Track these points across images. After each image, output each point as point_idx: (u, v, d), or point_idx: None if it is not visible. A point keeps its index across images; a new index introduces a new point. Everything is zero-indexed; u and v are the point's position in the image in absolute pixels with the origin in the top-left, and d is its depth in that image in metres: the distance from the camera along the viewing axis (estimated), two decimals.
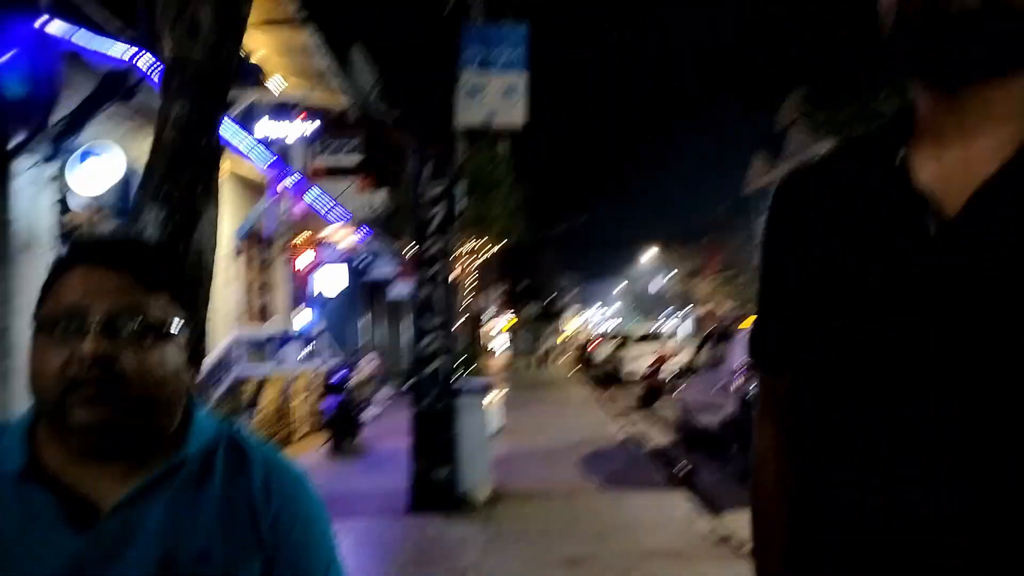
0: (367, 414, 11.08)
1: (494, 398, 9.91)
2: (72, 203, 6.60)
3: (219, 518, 0.93)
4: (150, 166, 2.43)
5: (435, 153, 6.48)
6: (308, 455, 9.59)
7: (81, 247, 0.96)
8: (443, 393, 6.38)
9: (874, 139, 0.84)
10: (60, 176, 6.34)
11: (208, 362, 8.34)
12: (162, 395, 0.90)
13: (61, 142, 6.22)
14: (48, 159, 6.18)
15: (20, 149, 5.82)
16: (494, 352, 35.17)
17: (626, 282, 65.12)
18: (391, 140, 14.13)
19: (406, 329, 18.30)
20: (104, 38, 6.34)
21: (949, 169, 0.75)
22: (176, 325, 0.94)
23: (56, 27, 5.93)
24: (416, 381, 6.48)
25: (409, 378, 6.66)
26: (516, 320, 39.82)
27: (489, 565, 4.86)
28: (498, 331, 39.41)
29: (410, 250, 7.54)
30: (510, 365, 31.54)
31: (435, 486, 6.26)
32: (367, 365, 12.79)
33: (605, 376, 23.41)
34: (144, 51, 6.17)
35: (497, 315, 38.11)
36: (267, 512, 0.96)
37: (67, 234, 6.45)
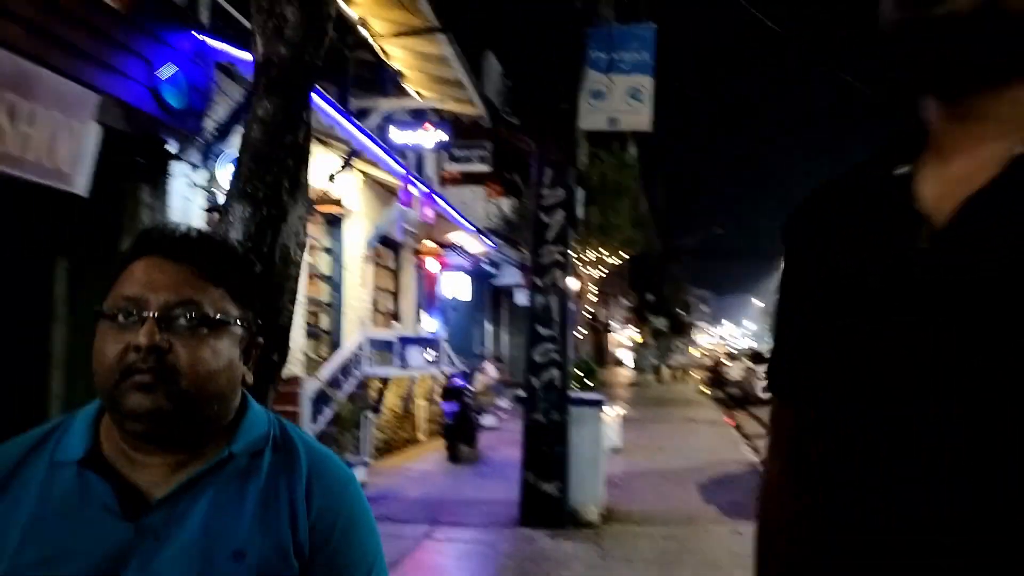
0: (485, 422, 11.14)
1: (612, 414, 9.66)
2: (221, 205, 7.05)
3: (259, 517, 0.92)
4: (239, 164, 2.48)
5: (555, 158, 6.39)
6: (426, 459, 9.76)
7: (147, 239, 0.96)
8: (555, 405, 6.26)
9: (879, 157, 0.84)
10: (211, 178, 6.79)
11: (336, 361, 8.68)
12: (212, 387, 0.91)
13: (213, 147, 6.67)
14: (201, 163, 6.64)
15: (178, 154, 6.28)
16: (617, 366, 34.63)
17: (761, 299, 62.28)
18: (518, 147, 14.22)
19: None
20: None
21: (948, 182, 0.74)
22: (233, 320, 0.93)
23: (210, 41, 6.37)
24: (529, 391, 6.39)
25: (524, 387, 6.57)
26: (642, 334, 39.01)
27: None
28: (622, 345, 38.79)
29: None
30: (634, 381, 30.92)
31: (545, 500, 6.14)
32: (487, 373, 12.89)
33: (735, 397, 22.43)
34: None
35: (622, 328, 37.52)
36: (308, 513, 0.95)
37: (215, 232, 6.90)
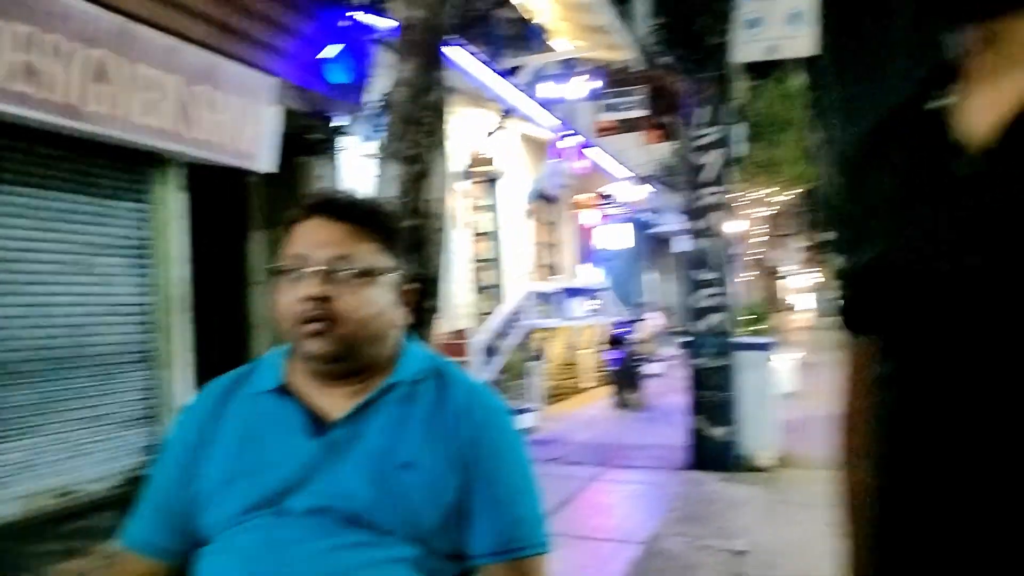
0: (649, 370, 11.12)
1: (787, 358, 9.29)
2: None
3: (424, 434, 1.06)
4: (389, 126, 2.66)
5: (709, 96, 6.13)
6: (592, 406, 9.95)
7: (310, 203, 1.11)
8: (719, 350, 6.13)
9: (916, 92, 0.82)
10: (377, 148, 7.23)
11: (501, 313, 9.03)
12: (370, 329, 1.06)
13: (376, 119, 7.09)
14: (366, 134, 7.09)
15: (345, 127, 6.75)
16: (793, 310, 32.89)
17: None
18: (671, 88, 13.73)
19: None
20: None
21: (983, 109, 0.73)
22: (385, 270, 1.07)
23: (367, 16, 6.72)
24: (691, 337, 6.31)
25: (687, 333, 6.50)
26: (822, 275, 36.69)
27: (768, 528, 4.61)
28: (799, 288, 36.69)
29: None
30: (813, 324, 29.24)
31: (713, 445, 6.09)
32: (650, 321, 12.80)
33: None
34: None
35: (798, 271, 35.48)
36: (464, 432, 1.07)
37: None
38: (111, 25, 4.38)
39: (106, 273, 5.20)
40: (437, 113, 2.66)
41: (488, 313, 9.58)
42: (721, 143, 6.17)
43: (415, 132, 2.56)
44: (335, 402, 1.07)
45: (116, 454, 5.23)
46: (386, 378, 1.08)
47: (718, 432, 6.09)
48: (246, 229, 6.90)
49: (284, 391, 1.08)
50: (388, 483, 1.01)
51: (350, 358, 1.05)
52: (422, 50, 2.61)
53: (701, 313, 6.21)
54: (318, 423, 1.05)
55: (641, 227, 16.28)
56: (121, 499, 5.01)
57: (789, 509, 5.07)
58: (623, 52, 12.73)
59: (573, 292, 10.91)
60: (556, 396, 10.18)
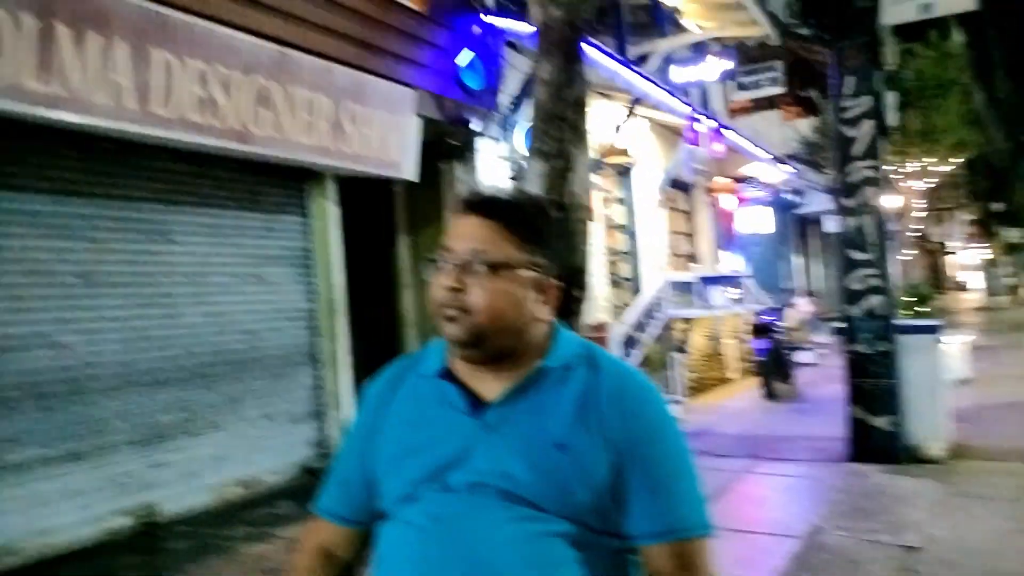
0: (800, 358, 10.62)
1: (957, 342, 8.58)
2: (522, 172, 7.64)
3: (574, 417, 1.10)
4: (532, 126, 2.73)
5: (856, 64, 5.76)
6: (739, 397, 9.65)
7: (463, 200, 1.19)
8: (879, 334, 5.76)
9: None
10: (512, 149, 7.40)
11: (639, 305, 8.95)
12: (501, 321, 1.10)
13: (509, 119, 7.25)
14: (501, 135, 7.27)
15: (482, 130, 6.95)
16: (960, 289, 30.16)
17: None
18: (812, 60, 12.99)
19: None
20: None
21: None
22: (520, 264, 1.11)
23: (496, 20, 6.88)
24: (847, 322, 5.97)
25: (842, 318, 6.16)
26: (992, 251, 33.35)
27: (940, 524, 4.31)
28: (965, 265, 33.59)
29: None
30: (983, 304, 26.68)
31: (876, 435, 5.74)
32: (799, 307, 12.21)
33: None
34: None
35: (964, 246, 32.49)
36: (616, 416, 1.10)
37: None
38: (271, 54, 4.77)
39: (275, 282, 5.67)
40: (579, 108, 2.72)
41: (625, 306, 9.53)
42: (872, 113, 5.79)
43: (558, 128, 2.63)
44: (490, 385, 1.13)
45: (289, 447, 5.70)
46: (538, 363, 1.13)
47: (881, 422, 5.73)
48: (393, 234, 7.28)
49: (447, 374, 1.16)
50: (542, 463, 1.06)
51: (480, 346, 1.10)
52: (562, 49, 2.68)
53: (857, 296, 5.86)
54: (476, 404, 1.12)
55: (783, 209, 15.55)
56: (296, 489, 5.45)
57: (967, 503, 4.71)
58: (756, 28, 12.20)
59: (713, 280, 10.61)
60: (700, 388, 9.96)
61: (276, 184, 5.64)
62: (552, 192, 2.59)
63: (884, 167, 6.01)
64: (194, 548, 4.32)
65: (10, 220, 4.13)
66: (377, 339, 7.20)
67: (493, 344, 1.11)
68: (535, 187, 2.62)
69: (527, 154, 2.75)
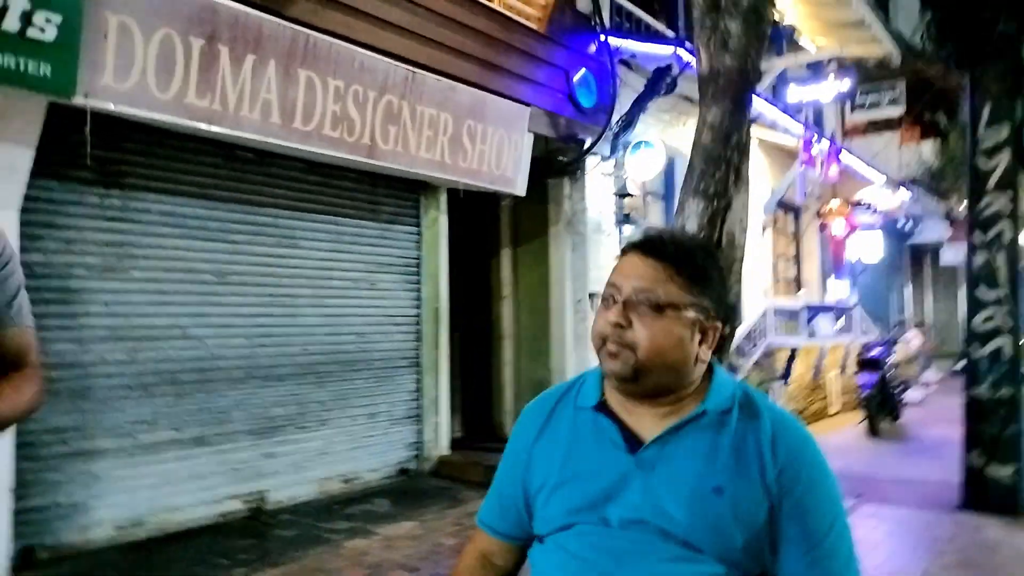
0: (910, 395, 10.11)
1: None
2: (629, 190, 7.63)
3: (732, 461, 1.12)
4: (691, 165, 2.76)
5: (996, 90, 5.46)
6: (842, 432, 9.27)
7: (633, 240, 1.24)
8: (1005, 378, 5.43)
9: None
10: (619, 167, 7.41)
11: (741, 331, 8.76)
12: (662, 359, 1.13)
13: (620, 138, 7.26)
14: (609, 153, 7.29)
15: (591, 147, 6.99)
16: None
17: None
18: (939, 83, 12.34)
19: (963, 301, 15.94)
20: (650, 42, 7.15)
21: None
22: (684, 306, 1.14)
23: (613, 40, 6.93)
24: (970, 362, 5.65)
25: (962, 358, 5.83)
26: None
27: None
28: None
29: (964, 209, 6.53)
30: None
31: (995, 486, 5.41)
32: (910, 341, 11.62)
33: None
34: (680, 46, 6.76)
35: None
36: (773, 464, 1.11)
37: (625, 217, 7.52)
38: (401, 74, 5.00)
39: (386, 288, 5.91)
40: (742, 151, 2.74)
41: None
42: (1010, 143, 5.46)
43: (721, 171, 2.66)
44: (646, 422, 1.16)
45: (389, 448, 5.91)
46: (696, 405, 1.15)
47: (1002, 471, 5.40)
48: (497, 247, 7.43)
49: (603, 408, 1.20)
50: (699, 505, 1.08)
51: (640, 382, 1.13)
52: (730, 95, 2.70)
53: (983, 336, 5.54)
54: (632, 440, 1.15)
55: (897, 237, 14.83)
56: (392, 488, 5.66)
57: None
58: (878, 47, 11.72)
59: (819, 309, 10.25)
60: (800, 420, 9.63)
61: (393, 195, 5.89)
62: (709, 231, 2.63)
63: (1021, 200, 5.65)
64: (298, 537, 4.56)
65: (159, 221, 4.50)
66: (474, 348, 7.36)
67: (652, 381, 1.14)
68: (692, 225, 2.66)
69: (684, 192, 2.78)
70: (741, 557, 1.08)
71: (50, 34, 3.24)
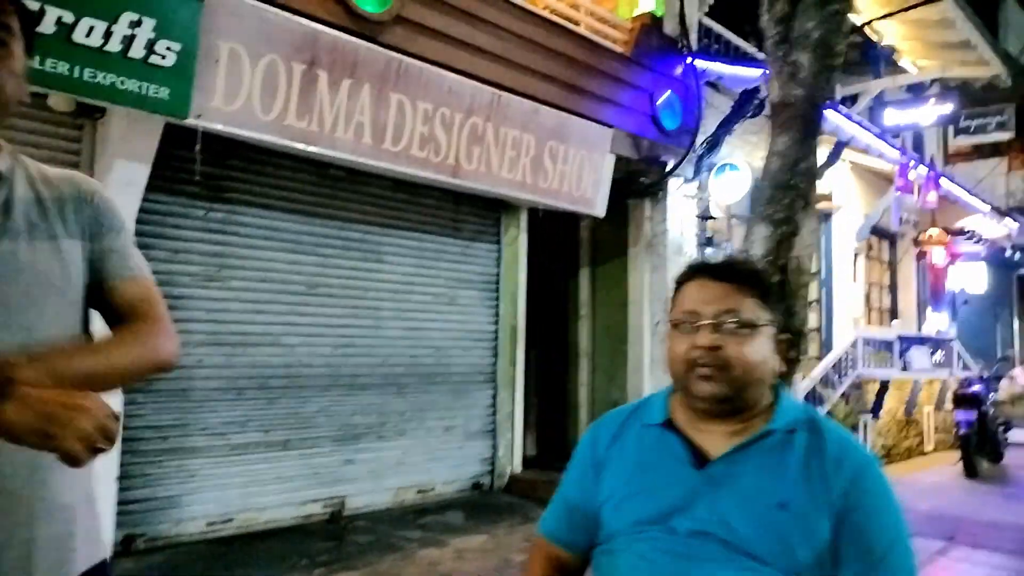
0: (1013, 436, 9.48)
1: None
2: (712, 212, 7.55)
3: (798, 478, 1.16)
4: (759, 191, 2.76)
5: None
6: (936, 471, 8.78)
7: (694, 267, 1.30)
8: None
9: None
10: (703, 189, 7.34)
11: (829, 360, 8.46)
12: (755, 375, 1.20)
13: (704, 160, 7.20)
14: (693, 175, 7.24)
15: (675, 169, 6.96)
16: None
17: None
18: None
19: None
20: (737, 64, 7.08)
21: None
22: (764, 322, 1.21)
23: (700, 62, 6.89)
24: None
25: None
26: None
27: None
28: None
29: None
30: None
31: None
32: (1016, 378, 10.90)
33: None
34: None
35: None
36: (837, 482, 1.15)
37: (708, 240, 7.42)
38: (487, 97, 5.15)
39: (465, 304, 6.05)
40: (810, 178, 2.74)
41: (812, 359, 9.03)
42: None
43: (788, 197, 2.67)
44: (714, 440, 1.21)
45: (463, 461, 6.01)
46: (763, 424, 1.20)
47: None
48: (575, 267, 7.47)
49: (670, 426, 1.26)
50: (765, 520, 1.13)
51: (735, 399, 1.19)
52: (799, 124, 2.71)
53: None
54: (699, 457, 1.21)
55: (1004, 267, 13.98)
56: (466, 501, 5.75)
57: None
58: (985, 68, 11.17)
59: (913, 340, 9.76)
60: (891, 456, 9.19)
61: (475, 213, 6.04)
62: (776, 256, 2.64)
63: None
64: (374, 543, 4.70)
65: (257, 234, 4.78)
66: (550, 366, 7.40)
67: (745, 398, 1.20)
68: (759, 250, 2.68)
69: (752, 217, 2.81)
70: (803, 570, 1.11)
71: (169, 60, 3.53)
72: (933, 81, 11.51)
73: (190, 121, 3.74)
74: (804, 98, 2.67)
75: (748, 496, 1.15)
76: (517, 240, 6.24)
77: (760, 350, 1.19)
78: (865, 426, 8.29)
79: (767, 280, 1.26)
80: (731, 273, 1.24)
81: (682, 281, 1.28)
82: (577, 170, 5.95)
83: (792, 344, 2.77)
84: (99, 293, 1.20)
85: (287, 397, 4.92)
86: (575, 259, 7.48)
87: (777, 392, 1.25)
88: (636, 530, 1.20)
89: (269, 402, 4.84)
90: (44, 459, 0.97)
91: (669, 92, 6.67)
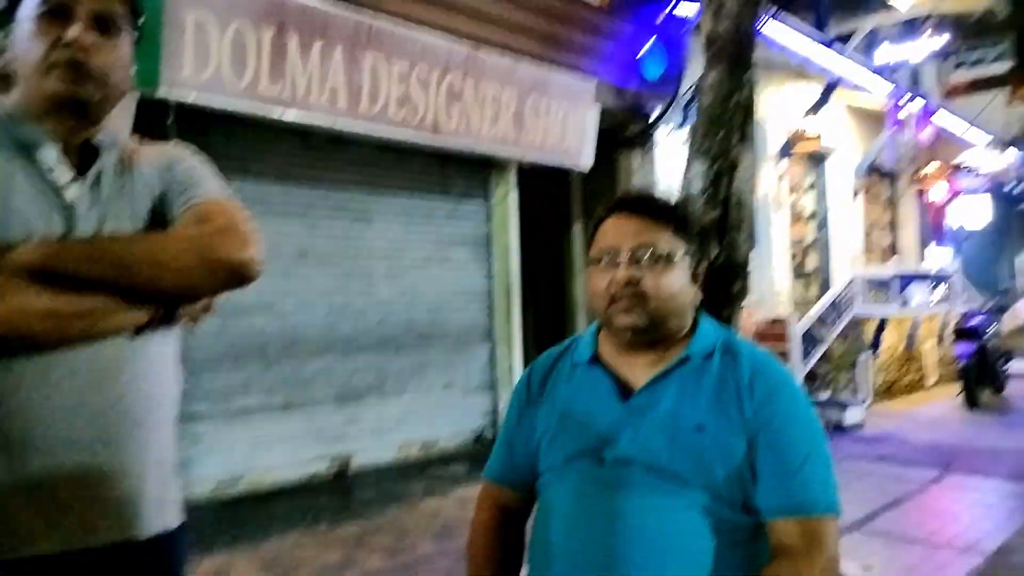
0: (1014, 367, 9.54)
1: None
2: None
3: (713, 400, 1.23)
4: (695, 127, 2.81)
5: None
6: (936, 404, 8.88)
7: (613, 203, 1.34)
8: None
9: None
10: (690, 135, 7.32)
11: (825, 300, 8.51)
12: (671, 305, 1.26)
13: (689, 108, 7.18)
14: (679, 125, 7.22)
15: (659, 119, 6.95)
16: None
17: None
18: None
19: None
20: None
21: None
22: (680, 254, 1.27)
23: (683, 8, 6.82)
24: None
25: None
26: None
27: None
28: None
29: None
30: None
31: None
32: (1016, 311, 10.92)
33: None
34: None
35: None
36: (750, 401, 1.22)
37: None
38: (463, 53, 5.16)
39: (457, 263, 6.13)
40: (745, 111, 2.78)
41: (812, 300, 9.08)
42: None
43: (722, 131, 2.71)
44: (637, 372, 1.27)
45: (464, 415, 6.15)
46: (680, 352, 1.27)
47: None
48: (567, 221, 7.51)
49: (597, 361, 1.31)
50: (683, 442, 1.19)
51: (653, 330, 1.24)
52: (728, 57, 2.75)
53: None
54: (624, 389, 1.27)
55: (1005, 200, 13.88)
56: (468, 454, 5.90)
57: None
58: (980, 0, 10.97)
59: (912, 277, 9.78)
60: (891, 392, 9.28)
61: (462, 173, 6.08)
62: (714, 191, 2.69)
63: None
64: (378, 497, 4.86)
65: (244, 204, 4.85)
66: (548, 320, 7.49)
67: (663, 328, 1.25)
68: (698, 186, 2.73)
69: (690, 153, 2.86)
70: (722, 487, 1.17)
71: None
72: (928, 17, 11.31)
73: (162, 94, 3.80)
74: (731, 31, 2.70)
75: (667, 422, 1.21)
76: (507, 197, 6.29)
77: (676, 281, 1.24)
78: (864, 363, 8.36)
79: (683, 212, 1.31)
80: (646, 207, 1.28)
81: (601, 218, 1.32)
82: (560, 123, 5.96)
83: (733, 278, 2.85)
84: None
85: (287, 360, 5.05)
86: (568, 214, 7.52)
87: (698, 320, 1.30)
88: (567, 464, 1.27)
89: (267, 367, 4.97)
90: (112, 424, 1.02)
91: (652, 40, 6.62)
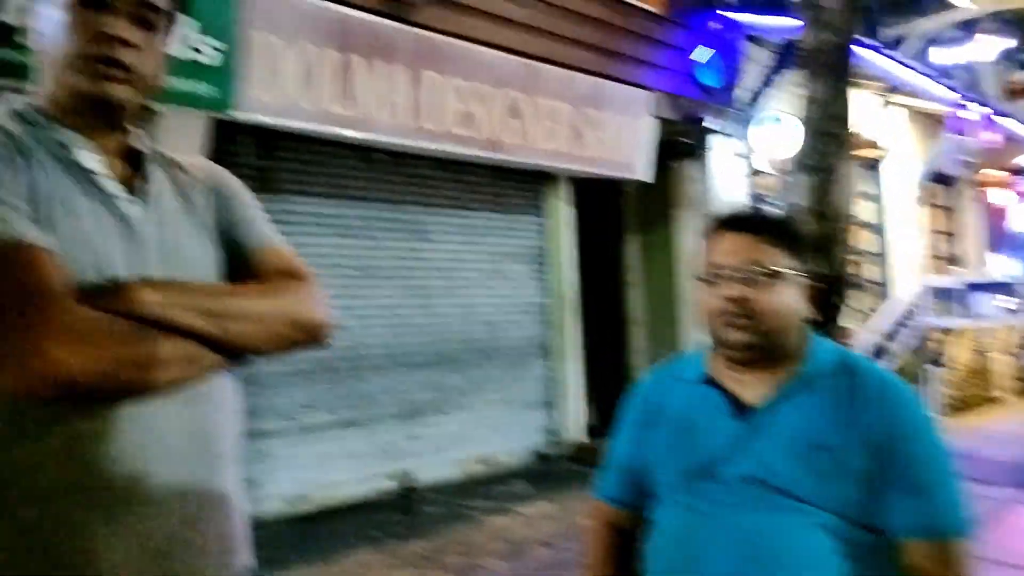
0: None
1: None
2: (758, 167, 7.40)
3: (835, 420, 1.20)
4: (801, 140, 2.75)
5: None
6: (1010, 420, 8.51)
7: (719, 221, 1.32)
8: None
9: None
10: (747, 144, 7.20)
11: (891, 311, 8.26)
12: (782, 322, 1.23)
13: (746, 114, 7.07)
14: (737, 132, 7.11)
15: (716, 128, 6.85)
16: None
17: None
18: None
19: None
20: (776, 15, 6.90)
21: None
22: (790, 271, 1.24)
23: (738, 16, 6.74)
24: None
25: None
26: None
27: None
28: None
29: None
30: None
31: None
32: None
33: None
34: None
35: None
36: (876, 421, 1.18)
37: (756, 195, 7.30)
38: (519, 68, 5.17)
39: (513, 277, 6.11)
40: (843, 123, 2.71)
41: (871, 311, 8.81)
42: None
43: (825, 144, 2.66)
44: (750, 389, 1.25)
45: (523, 432, 6.11)
46: (796, 369, 1.24)
47: None
48: (622, 233, 7.43)
49: (708, 380, 1.30)
50: (805, 460, 1.16)
51: (766, 347, 1.22)
52: (831, 69, 2.70)
53: None
54: (739, 407, 1.25)
55: None
56: (528, 471, 5.84)
57: None
58: None
59: (981, 286, 9.42)
60: (961, 407, 8.93)
61: (517, 187, 6.08)
62: (815, 203, 2.63)
63: None
64: (443, 514, 4.84)
65: (305, 221, 4.93)
66: (605, 335, 7.41)
67: (776, 345, 1.23)
68: (799, 198, 2.68)
69: (793, 166, 2.80)
70: (845, 506, 1.15)
71: (213, 58, 3.67)
72: (986, 17, 10.96)
73: (235, 115, 3.88)
74: (834, 43, 2.66)
75: (788, 439, 1.19)
76: (560, 211, 6.26)
77: (787, 298, 1.22)
78: (932, 376, 8.07)
79: (792, 229, 1.29)
80: (754, 224, 1.28)
81: (708, 235, 1.31)
82: (616, 136, 5.92)
83: (833, 291, 2.76)
84: (235, 268, 1.14)
85: (349, 378, 5.08)
86: (623, 226, 7.44)
87: (810, 337, 1.28)
88: (683, 482, 1.25)
89: (333, 384, 5.01)
90: (205, 464, 0.99)
91: (707, 49, 6.55)
